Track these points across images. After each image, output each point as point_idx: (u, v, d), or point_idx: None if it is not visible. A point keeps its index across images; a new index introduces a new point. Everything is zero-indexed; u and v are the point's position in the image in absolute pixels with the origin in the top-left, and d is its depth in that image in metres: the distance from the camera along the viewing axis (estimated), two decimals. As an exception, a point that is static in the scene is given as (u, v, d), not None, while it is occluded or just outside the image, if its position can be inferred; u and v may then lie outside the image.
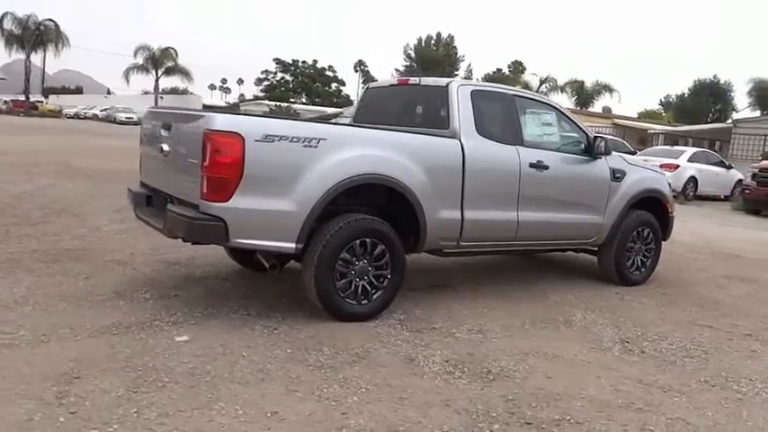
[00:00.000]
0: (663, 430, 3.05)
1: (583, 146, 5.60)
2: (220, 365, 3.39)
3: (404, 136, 4.58)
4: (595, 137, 5.60)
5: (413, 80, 5.52)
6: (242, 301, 4.61)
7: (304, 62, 77.74)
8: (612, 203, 5.78)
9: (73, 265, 5.26)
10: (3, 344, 3.47)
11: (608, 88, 46.14)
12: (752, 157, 20.99)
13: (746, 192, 14.91)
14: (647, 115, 58.54)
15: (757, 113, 38.98)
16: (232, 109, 55.70)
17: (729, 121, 26.81)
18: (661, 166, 11.42)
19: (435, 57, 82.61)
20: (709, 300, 5.81)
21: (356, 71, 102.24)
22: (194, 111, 4.43)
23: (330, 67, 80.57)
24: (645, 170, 6.27)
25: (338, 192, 4.09)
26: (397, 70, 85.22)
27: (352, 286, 4.27)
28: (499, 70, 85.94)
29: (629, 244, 6.00)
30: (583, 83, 45.74)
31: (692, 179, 16.70)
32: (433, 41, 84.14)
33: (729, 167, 18.40)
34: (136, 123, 47.88)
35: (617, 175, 5.78)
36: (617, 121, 35.81)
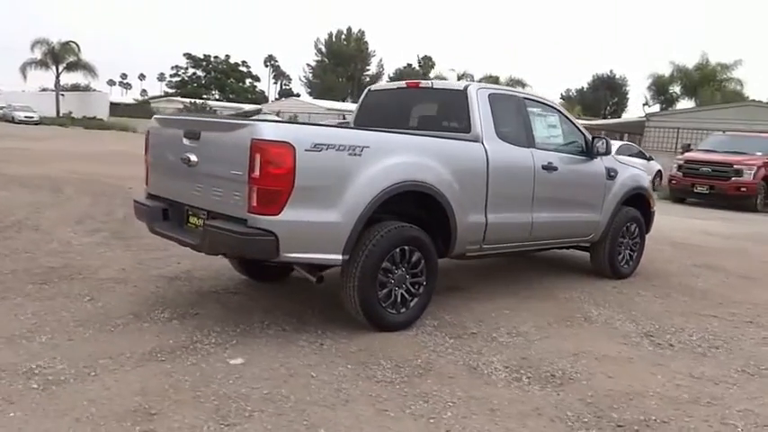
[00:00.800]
0: (741, 423, 3.19)
1: (582, 146, 5.77)
2: (295, 389, 3.22)
3: (437, 141, 4.53)
4: (594, 137, 5.79)
5: (424, 83, 5.47)
6: (268, 315, 4.42)
7: (216, 57, 75.32)
8: (608, 201, 6.00)
9: (68, 285, 4.84)
10: (49, 380, 3.14)
11: (521, 83, 47.75)
12: (665, 149, 22.48)
13: (673, 182, 15.93)
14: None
15: (657, 108, 41.66)
16: (142, 106, 53.13)
17: (642, 114, 28.49)
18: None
19: (347, 52, 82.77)
20: (694, 289, 6.14)
21: (266, 66, 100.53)
22: (229, 118, 4.18)
23: (244, 62, 78.54)
24: (632, 168, 6.55)
25: (383, 200, 3.99)
26: (308, 65, 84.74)
27: (392, 295, 4.20)
28: (409, 65, 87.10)
29: (620, 239, 6.26)
30: (498, 78, 47.11)
31: (619, 171, 17.62)
32: (343, 36, 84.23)
33: (650, 159, 19.59)
34: (37, 123, 44.41)
35: (611, 174, 6.00)
36: (535, 115, 37.07)
